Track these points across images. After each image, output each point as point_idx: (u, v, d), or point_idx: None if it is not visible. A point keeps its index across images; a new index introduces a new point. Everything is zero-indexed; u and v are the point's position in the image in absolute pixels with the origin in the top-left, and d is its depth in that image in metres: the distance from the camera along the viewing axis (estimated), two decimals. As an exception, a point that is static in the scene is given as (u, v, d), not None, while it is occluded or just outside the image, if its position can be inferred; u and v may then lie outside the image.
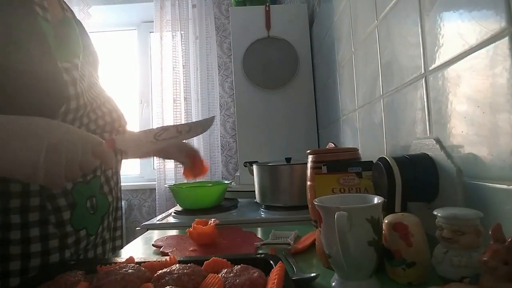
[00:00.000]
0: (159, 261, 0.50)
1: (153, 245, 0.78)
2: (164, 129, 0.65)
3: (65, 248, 0.62)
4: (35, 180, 0.46)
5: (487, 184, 0.48)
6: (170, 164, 2.29)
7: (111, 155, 0.56)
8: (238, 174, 1.73)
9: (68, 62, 0.62)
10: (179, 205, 1.28)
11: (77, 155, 0.49)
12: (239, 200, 1.39)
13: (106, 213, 0.72)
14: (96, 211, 0.68)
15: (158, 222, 1.14)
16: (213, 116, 0.75)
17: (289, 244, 0.67)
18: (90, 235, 0.68)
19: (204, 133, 2.32)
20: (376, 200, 0.49)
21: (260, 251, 0.68)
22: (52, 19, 0.64)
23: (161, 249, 0.74)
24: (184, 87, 2.31)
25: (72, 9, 0.79)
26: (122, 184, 0.82)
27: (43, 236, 0.60)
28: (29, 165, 0.45)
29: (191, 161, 0.88)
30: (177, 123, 0.65)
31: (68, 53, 0.64)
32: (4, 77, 0.53)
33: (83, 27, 0.83)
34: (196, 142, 2.32)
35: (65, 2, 0.77)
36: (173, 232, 0.94)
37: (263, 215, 1.15)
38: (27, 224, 0.58)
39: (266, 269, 0.45)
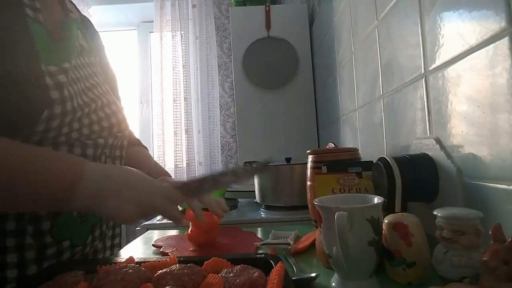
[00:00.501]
0: (159, 261, 0.50)
1: (153, 245, 0.78)
2: (224, 174, 0.63)
3: (43, 259, 0.59)
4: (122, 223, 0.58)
5: (487, 184, 0.48)
6: (170, 164, 2.29)
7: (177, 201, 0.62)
8: (238, 174, 1.73)
9: (55, 66, 0.59)
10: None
11: (153, 205, 0.57)
12: (239, 200, 1.39)
13: (98, 221, 0.68)
14: (85, 220, 0.65)
15: (158, 222, 1.14)
16: (267, 161, 0.68)
17: (289, 244, 0.67)
18: (75, 245, 0.64)
19: (204, 133, 2.33)
20: (376, 200, 0.49)
21: (260, 251, 0.68)
22: (47, 20, 0.62)
23: (161, 249, 0.74)
24: (184, 87, 2.31)
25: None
26: None
27: (19, 247, 0.57)
28: (125, 211, 0.54)
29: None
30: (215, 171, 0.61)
31: (57, 56, 0.61)
32: None
33: (93, 27, 0.81)
34: (197, 142, 2.32)
35: (70, 2, 0.74)
36: (173, 232, 0.94)
37: (263, 215, 1.15)
38: (4, 233, 0.56)
39: (266, 269, 0.45)
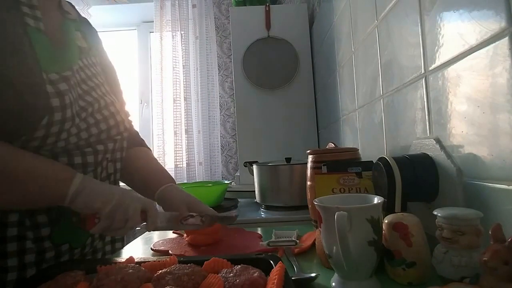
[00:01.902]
0: (159, 261, 0.50)
1: (151, 249, 0.77)
2: (191, 216, 0.69)
3: (42, 262, 0.61)
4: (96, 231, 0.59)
5: (487, 184, 0.48)
6: (170, 164, 2.29)
7: (156, 217, 0.65)
8: (238, 174, 1.74)
9: (56, 74, 0.60)
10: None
11: (127, 216, 0.60)
12: (239, 200, 1.39)
13: None
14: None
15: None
16: (236, 216, 0.76)
17: (295, 242, 0.66)
18: (74, 248, 0.66)
19: (204, 133, 2.33)
20: (376, 200, 0.49)
21: (268, 247, 0.67)
22: (48, 28, 0.63)
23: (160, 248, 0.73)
24: (184, 87, 2.31)
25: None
26: (122, 184, 0.80)
27: (20, 251, 0.59)
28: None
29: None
30: (203, 214, 0.66)
31: (59, 64, 0.62)
32: None
33: (91, 26, 0.80)
34: (197, 142, 2.32)
35: (68, 3, 0.74)
36: (172, 235, 0.93)
37: (263, 215, 1.15)
38: (4, 239, 0.58)
39: (266, 269, 0.45)
